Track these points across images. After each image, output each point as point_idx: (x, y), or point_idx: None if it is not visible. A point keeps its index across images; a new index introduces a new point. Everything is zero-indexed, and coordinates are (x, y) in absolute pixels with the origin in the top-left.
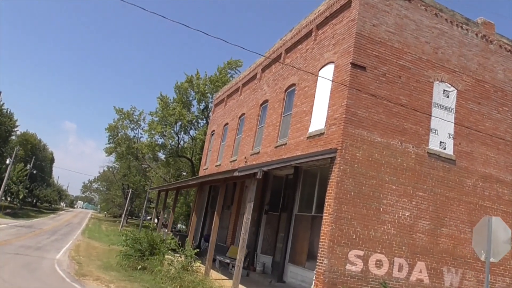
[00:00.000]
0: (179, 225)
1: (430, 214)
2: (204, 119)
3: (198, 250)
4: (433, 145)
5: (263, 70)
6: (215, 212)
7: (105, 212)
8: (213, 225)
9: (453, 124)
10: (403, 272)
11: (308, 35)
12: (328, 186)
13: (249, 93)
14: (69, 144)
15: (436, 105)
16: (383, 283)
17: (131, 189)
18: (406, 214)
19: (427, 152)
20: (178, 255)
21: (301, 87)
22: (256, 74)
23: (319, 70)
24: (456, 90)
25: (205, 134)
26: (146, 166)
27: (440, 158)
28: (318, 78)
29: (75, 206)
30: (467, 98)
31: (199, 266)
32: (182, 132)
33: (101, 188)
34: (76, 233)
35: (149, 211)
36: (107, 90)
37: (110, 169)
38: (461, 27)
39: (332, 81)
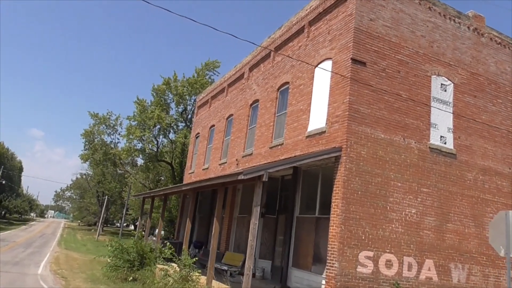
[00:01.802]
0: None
1: (435, 210)
2: (184, 122)
3: (196, 259)
4: (434, 139)
5: (250, 69)
6: (215, 218)
7: (79, 221)
8: (213, 231)
9: (451, 118)
10: (412, 271)
11: (299, 31)
12: (334, 186)
13: (236, 93)
14: (36, 152)
15: (435, 99)
16: (396, 284)
17: (107, 196)
18: (413, 211)
19: (429, 147)
20: (172, 264)
21: (296, 85)
22: (243, 74)
23: (315, 67)
24: (452, 84)
25: (185, 137)
26: (122, 172)
27: (441, 153)
28: (315, 75)
29: (46, 215)
30: (464, 92)
31: (199, 275)
32: (162, 136)
33: (74, 196)
34: (52, 244)
35: (126, 218)
36: (76, 95)
37: (84, 176)
38: (454, 20)
39: (343, 76)
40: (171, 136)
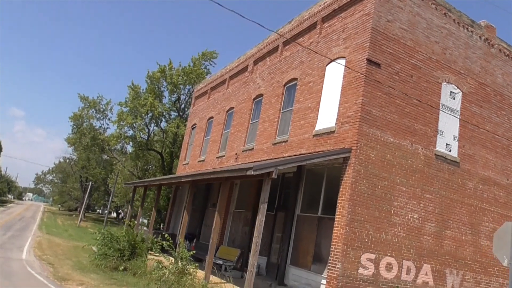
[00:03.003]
0: (141, 220)
1: (436, 217)
2: (176, 111)
3: (193, 252)
4: (440, 147)
5: (255, 63)
6: (216, 212)
7: (59, 205)
8: (213, 225)
9: (458, 126)
10: (410, 275)
11: (311, 27)
12: (341, 187)
13: (239, 86)
14: (16, 132)
15: (444, 107)
16: (396, 287)
17: (91, 182)
18: (415, 217)
19: (435, 154)
20: (164, 255)
21: (304, 82)
22: (247, 67)
23: (326, 65)
24: (461, 92)
25: (177, 127)
26: (107, 157)
27: (446, 160)
28: (326, 73)
29: (24, 198)
30: (471, 101)
31: (195, 269)
32: (153, 124)
33: (56, 180)
34: (33, 228)
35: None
36: (62, 76)
37: (67, 161)
38: (467, 28)
39: (362, 74)
40: (163, 125)
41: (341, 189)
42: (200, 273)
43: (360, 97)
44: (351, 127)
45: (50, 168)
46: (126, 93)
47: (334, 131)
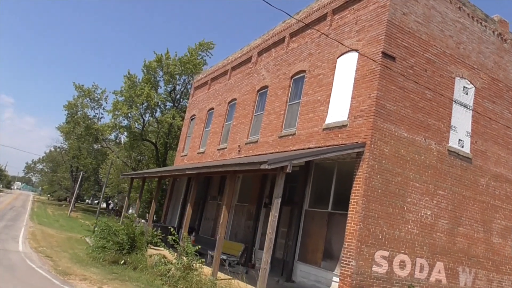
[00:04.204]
0: (130, 211)
1: (449, 213)
2: (172, 102)
3: (199, 246)
4: (453, 142)
5: (259, 54)
6: (224, 206)
7: (49, 195)
8: (221, 220)
9: (470, 122)
10: (423, 272)
11: (321, 19)
12: (355, 182)
13: (242, 78)
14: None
15: (457, 102)
16: (410, 286)
17: (82, 172)
18: (428, 213)
19: (448, 150)
20: (169, 250)
21: (313, 75)
22: (250, 58)
23: (337, 58)
24: (474, 88)
25: (173, 118)
26: (98, 147)
27: (458, 156)
28: (337, 66)
29: (13, 187)
30: (484, 96)
31: (201, 265)
32: (148, 115)
33: (46, 170)
34: (24, 219)
35: (97, 195)
36: (54, 63)
37: (58, 150)
38: (481, 23)
39: (385, 66)
40: (158, 115)
41: (354, 185)
42: (206, 269)
43: (374, 90)
44: (365, 121)
45: (41, 157)
46: (122, 83)
47: (347, 125)
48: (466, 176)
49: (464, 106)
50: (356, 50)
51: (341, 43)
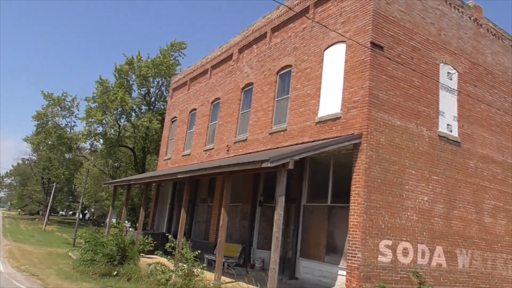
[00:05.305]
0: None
1: (444, 198)
2: (147, 105)
3: (199, 252)
4: (442, 127)
5: (240, 51)
6: (223, 208)
7: (19, 210)
8: (220, 223)
9: (456, 106)
10: (425, 258)
11: (303, 12)
12: (354, 174)
13: (224, 76)
14: None
15: (443, 87)
16: (415, 273)
17: (55, 183)
18: (425, 199)
19: (438, 135)
20: (156, 256)
21: (300, 69)
22: (231, 55)
23: (324, 50)
24: (457, 73)
25: (150, 121)
26: (70, 156)
27: (448, 141)
28: (324, 58)
29: None
30: (466, 81)
31: (202, 270)
32: (123, 120)
33: (15, 184)
34: None
35: (72, 206)
36: (16, 71)
37: (26, 162)
38: (458, 9)
39: (386, 57)
40: (133, 119)
41: (354, 176)
42: (207, 274)
43: (366, 81)
44: (359, 112)
45: (8, 171)
46: (93, 89)
47: (340, 117)
48: (457, 160)
49: (450, 91)
50: (350, 39)
51: (335, 31)
